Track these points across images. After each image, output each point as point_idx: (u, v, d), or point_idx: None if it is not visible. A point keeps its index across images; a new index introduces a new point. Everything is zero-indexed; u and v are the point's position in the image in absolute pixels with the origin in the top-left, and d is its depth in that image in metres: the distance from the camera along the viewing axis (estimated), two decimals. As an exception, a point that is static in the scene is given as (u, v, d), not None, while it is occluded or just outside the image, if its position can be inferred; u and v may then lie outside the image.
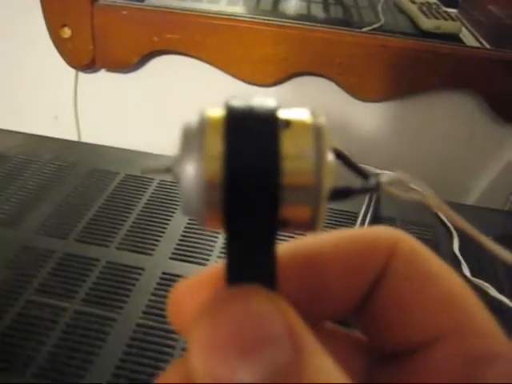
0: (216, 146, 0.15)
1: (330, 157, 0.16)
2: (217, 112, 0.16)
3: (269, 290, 0.15)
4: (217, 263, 0.18)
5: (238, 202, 0.15)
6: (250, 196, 0.15)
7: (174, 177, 0.16)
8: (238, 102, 0.16)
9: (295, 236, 0.18)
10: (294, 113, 0.16)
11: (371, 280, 0.18)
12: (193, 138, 0.16)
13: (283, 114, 0.16)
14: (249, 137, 0.15)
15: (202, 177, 0.15)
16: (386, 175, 0.18)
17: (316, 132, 0.16)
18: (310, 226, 0.16)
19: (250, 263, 0.16)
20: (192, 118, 0.16)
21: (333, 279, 0.19)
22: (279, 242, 0.17)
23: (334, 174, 0.16)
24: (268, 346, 0.13)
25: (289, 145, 0.15)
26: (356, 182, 0.18)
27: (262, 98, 0.16)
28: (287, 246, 0.19)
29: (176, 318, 0.19)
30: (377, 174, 0.18)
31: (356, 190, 0.18)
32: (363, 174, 0.19)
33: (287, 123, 0.15)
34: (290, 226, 0.16)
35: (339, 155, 0.18)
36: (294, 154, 0.15)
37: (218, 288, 0.16)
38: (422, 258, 0.18)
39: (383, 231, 0.19)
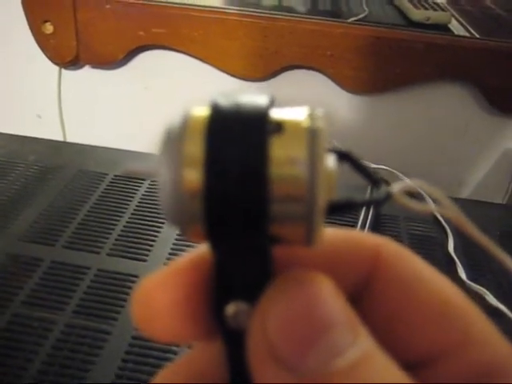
0: (196, 150, 0.14)
1: (330, 165, 0.14)
2: (201, 111, 0.14)
3: None
4: (185, 253, 0.16)
5: (220, 214, 0.14)
6: (232, 209, 0.14)
7: (157, 182, 0.15)
8: (224, 100, 0.14)
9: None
10: (289, 113, 0.14)
11: (353, 286, 0.17)
12: (172, 140, 0.14)
13: (276, 114, 0.14)
14: (233, 141, 0.14)
15: (181, 185, 0.14)
16: (398, 185, 0.16)
17: (311, 136, 0.14)
18: (305, 243, 0.14)
19: (240, 282, 0.15)
20: (176, 117, 0.15)
21: None
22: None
23: (335, 184, 0.14)
24: (332, 332, 0.13)
25: (278, 151, 0.13)
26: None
27: (252, 96, 0.14)
28: None
29: (145, 319, 0.16)
30: (387, 184, 0.16)
31: (359, 203, 0.16)
32: (373, 180, 0.17)
33: (279, 125, 0.14)
34: (282, 242, 0.15)
35: (346, 157, 0.16)
36: (283, 162, 0.13)
37: (193, 281, 0.16)
38: (409, 261, 0.17)
39: (366, 235, 0.18)
